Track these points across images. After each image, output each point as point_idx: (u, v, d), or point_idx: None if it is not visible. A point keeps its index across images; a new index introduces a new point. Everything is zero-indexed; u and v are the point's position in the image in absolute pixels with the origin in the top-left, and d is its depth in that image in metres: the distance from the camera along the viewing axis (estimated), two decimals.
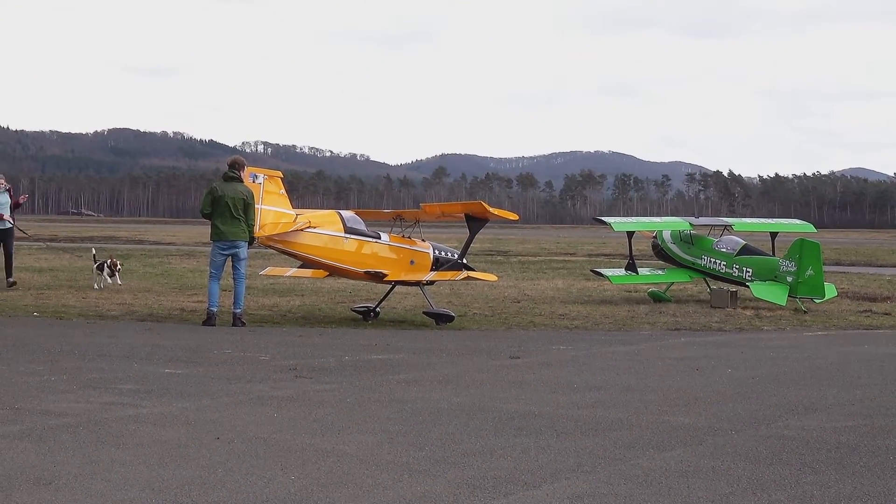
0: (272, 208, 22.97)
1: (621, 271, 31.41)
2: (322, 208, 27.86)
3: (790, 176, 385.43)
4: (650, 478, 9.45)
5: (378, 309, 24.51)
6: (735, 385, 15.22)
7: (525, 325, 23.46)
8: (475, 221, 23.85)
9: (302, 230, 23.07)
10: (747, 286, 29.32)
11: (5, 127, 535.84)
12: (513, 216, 26.35)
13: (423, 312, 24.02)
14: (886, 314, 27.28)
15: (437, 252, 24.24)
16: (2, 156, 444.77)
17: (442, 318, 23.39)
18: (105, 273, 30.30)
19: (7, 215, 29.69)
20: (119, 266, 31.01)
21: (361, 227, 23.95)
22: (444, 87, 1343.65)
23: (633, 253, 31.87)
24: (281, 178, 23.60)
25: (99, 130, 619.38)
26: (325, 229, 23.32)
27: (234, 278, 22.49)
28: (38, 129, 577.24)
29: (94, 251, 33.85)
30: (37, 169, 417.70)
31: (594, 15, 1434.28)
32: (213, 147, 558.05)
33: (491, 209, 23.78)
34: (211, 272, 22.64)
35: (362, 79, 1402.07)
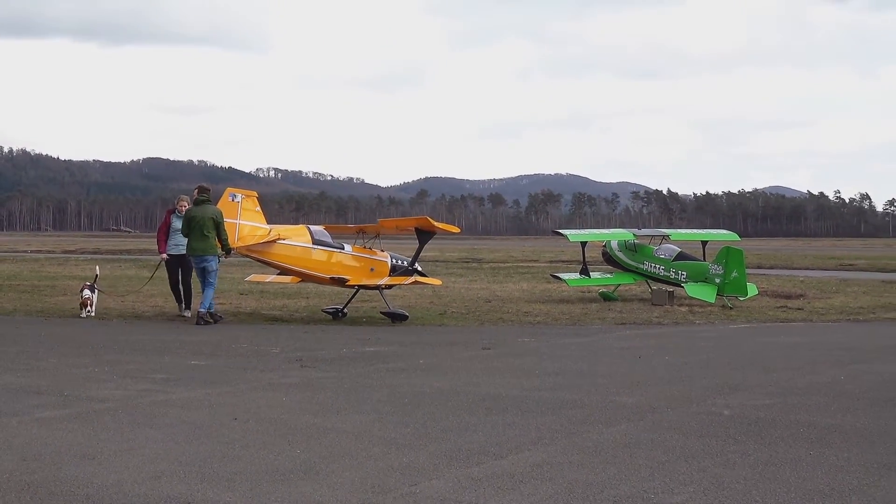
0: (248, 223, 23.06)
1: (576, 275, 31.39)
2: (325, 224, 27.48)
3: (719, 193, 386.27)
4: (599, 448, 9.50)
5: (345, 310, 24.26)
6: (671, 370, 15.27)
7: (495, 322, 23.44)
8: (424, 234, 23.83)
9: (274, 241, 23.11)
10: (682, 287, 29.39)
11: (56, 157, 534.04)
12: (455, 229, 26.37)
13: (381, 312, 23.87)
14: (799, 309, 27.33)
15: (394, 261, 24.14)
16: (52, 182, 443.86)
17: (397, 318, 23.19)
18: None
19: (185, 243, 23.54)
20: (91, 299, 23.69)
21: (327, 239, 23.98)
22: (428, 122, 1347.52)
23: (586, 260, 31.93)
24: (257, 197, 23.69)
25: (135, 159, 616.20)
26: (295, 241, 23.39)
27: (205, 284, 22.55)
28: (83, 159, 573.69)
29: (97, 270, 27.90)
30: (82, 193, 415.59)
31: (552, 62, 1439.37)
32: (231, 173, 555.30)
33: (435, 223, 23.80)
34: (200, 280, 22.79)
35: (359, 115, 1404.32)
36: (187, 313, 24.01)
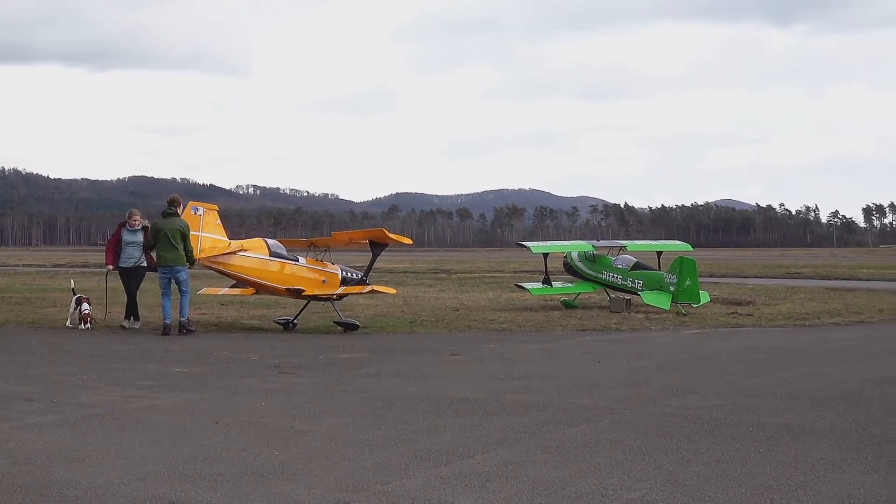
0: (210, 235, 22.69)
1: (539, 284, 31.45)
2: (300, 238, 27.06)
3: (674, 206, 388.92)
4: (561, 448, 9.51)
5: (295, 321, 23.82)
6: (629, 373, 15.31)
7: (462, 329, 23.42)
8: (376, 246, 23.62)
9: (234, 253, 22.81)
10: (639, 295, 29.48)
11: (46, 175, 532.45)
12: (408, 241, 26.13)
13: (334, 322, 23.54)
14: (749, 315, 27.44)
15: (344, 273, 23.86)
16: (43, 199, 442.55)
17: (350, 327, 22.90)
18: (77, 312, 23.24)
19: (139, 254, 23.41)
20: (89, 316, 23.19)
21: (283, 251, 23.66)
22: (399, 141, 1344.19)
23: (548, 270, 31.99)
24: (217, 211, 23.39)
25: (121, 177, 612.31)
26: (253, 253, 23.05)
27: (180, 293, 22.02)
28: (72, 177, 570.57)
29: (73, 283, 26.74)
30: (71, 209, 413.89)
31: (514, 85, 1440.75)
32: (212, 190, 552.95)
33: (390, 234, 23.68)
34: (162, 292, 22.10)
35: (334, 135, 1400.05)
36: (137, 325, 23.29)
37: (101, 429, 10.43)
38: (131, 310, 23.42)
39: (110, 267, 23.67)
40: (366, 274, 24.18)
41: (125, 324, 23.21)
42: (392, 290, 25.61)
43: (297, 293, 23.41)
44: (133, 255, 23.32)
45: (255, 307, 29.12)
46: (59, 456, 9.13)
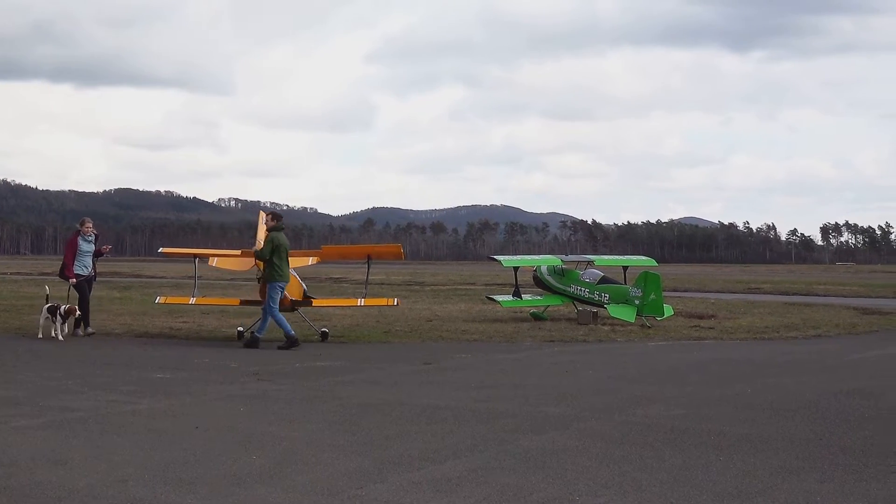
0: None
1: (509, 297, 31.44)
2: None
3: (639, 223, 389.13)
4: (529, 455, 9.50)
5: (245, 331, 22.77)
6: (595, 383, 15.31)
7: (435, 339, 23.37)
8: (372, 260, 23.63)
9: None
10: (605, 307, 29.50)
11: (34, 187, 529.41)
12: (401, 256, 25.74)
13: (321, 331, 22.79)
14: (710, 328, 27.49)
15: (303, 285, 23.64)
16: (31, 210, 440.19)
17: (325, 336, 22.51)
18: (57, 321, 21.41)
19: (90, 264, 23.00)
20: (76, 313, 22.09)
21: None
22: (376, 158, 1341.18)
23: (518, 283, 31.98)
24: None
25: (107, 190, 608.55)
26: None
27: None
28: (59, 189, 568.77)
29: (47, 289, 23.57)
30: (59, 220, 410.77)
31: (485, 105, 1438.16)
32: (195, 203, 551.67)
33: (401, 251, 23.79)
34: (278, 307, 21.07)
35: (313, 152, 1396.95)
36: (91, 330, 22.50)
37: (84, 432, 10.37)
38: (84, 318, 22.64)
39: (73, 280, 22.75)
40: (365, 286, 24.20)
41: (80, 332, 22.47)
42: (399, 302, 25.59)
43: (306, 303, 23.07)
44: (87, 264, 22.82)
45: (235, 317, 29.00)
46: (42, 458, 9.07)
